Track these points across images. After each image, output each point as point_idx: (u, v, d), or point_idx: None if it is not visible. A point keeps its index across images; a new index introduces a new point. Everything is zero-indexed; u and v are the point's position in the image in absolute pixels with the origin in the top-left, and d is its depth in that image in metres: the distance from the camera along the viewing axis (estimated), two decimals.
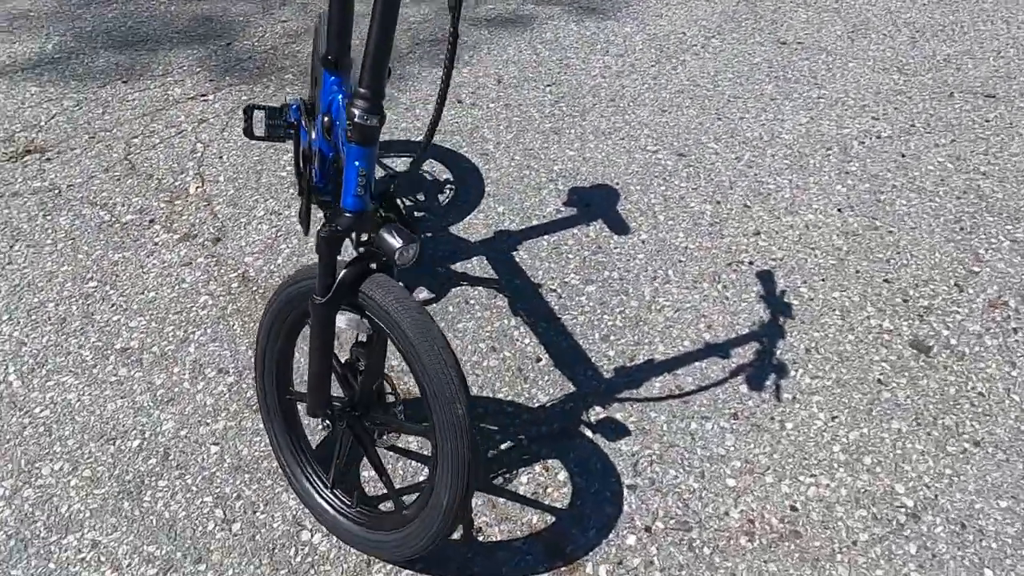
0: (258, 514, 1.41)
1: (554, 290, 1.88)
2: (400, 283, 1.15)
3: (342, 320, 1.19)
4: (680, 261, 1.98)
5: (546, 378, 1.66)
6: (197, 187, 2.22)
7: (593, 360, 1.69)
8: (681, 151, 2.39)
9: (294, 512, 1.40)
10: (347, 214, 1.14)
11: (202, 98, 2.64)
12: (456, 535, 1.36)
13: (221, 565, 1.34)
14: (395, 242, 1.10)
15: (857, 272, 1.96)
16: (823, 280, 1.93)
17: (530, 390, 1.64)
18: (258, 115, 1.46)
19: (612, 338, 1.76)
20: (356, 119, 1.08)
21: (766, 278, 1.93)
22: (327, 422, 1.29)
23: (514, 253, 1.99)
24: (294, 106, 1.55)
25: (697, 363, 1.69)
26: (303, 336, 1.30)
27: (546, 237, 2.03)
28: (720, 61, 2.87)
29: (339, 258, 1.16)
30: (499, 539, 1.37)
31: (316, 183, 1.64)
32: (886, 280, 1.93)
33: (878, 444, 1.54)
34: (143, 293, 1.88)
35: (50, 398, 1.63)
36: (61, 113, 2.54)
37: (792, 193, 2.22)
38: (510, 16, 3.17)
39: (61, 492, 1.46)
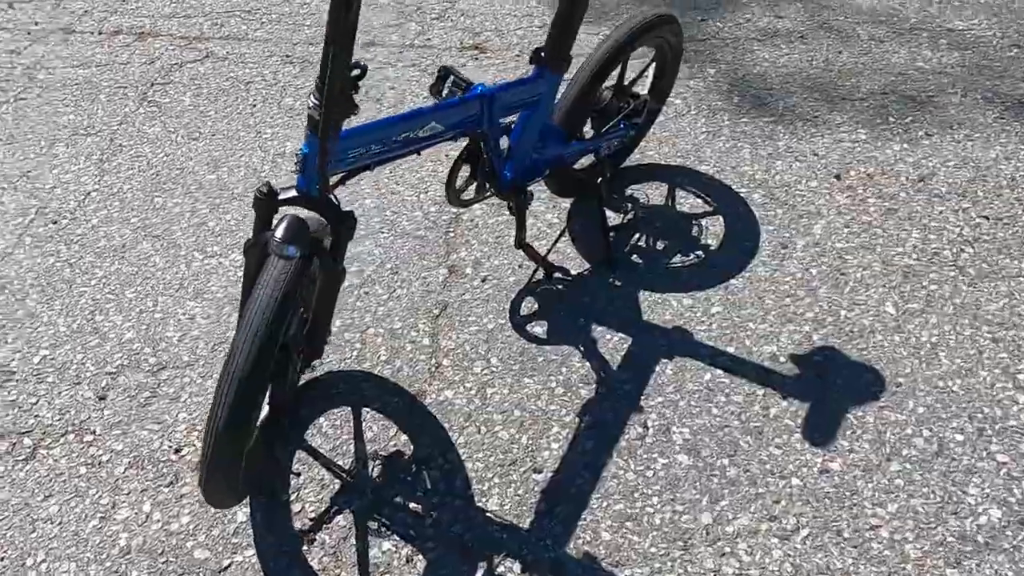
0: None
1: (647, 428, 1.43)
2: (284, 272, 1.07)
3: None
4: (838, 533, 1.26)
5: (519, 495, 1.32)
6: None
7: (581, 523, 1.28)
8: None
9: None
10: (293, 190, 1.09)
11: None
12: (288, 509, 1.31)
13: (164, 377, 1.58)
14: (277, 233, 1.01)
15: None
16: None
17: (491, 491, 1.34)
18: (449, 79, 1.41)
19: (630, 524, 1.28)
20: (309, 108, 0.99)
21: None
22: None
23: (664, 362, 1.54)
24: (478, 88, 1.41)
25: None
26: None
27: (717, 374, 1.50)
28: None
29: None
30: (294, 557, 1.26)
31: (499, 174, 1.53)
32: None
33: None
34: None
35: None
36: (519, 29, 2.84)
37: None
38: None
39: (218, 270, 1.88)
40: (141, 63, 2.60)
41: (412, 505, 1.32)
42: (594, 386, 1.50)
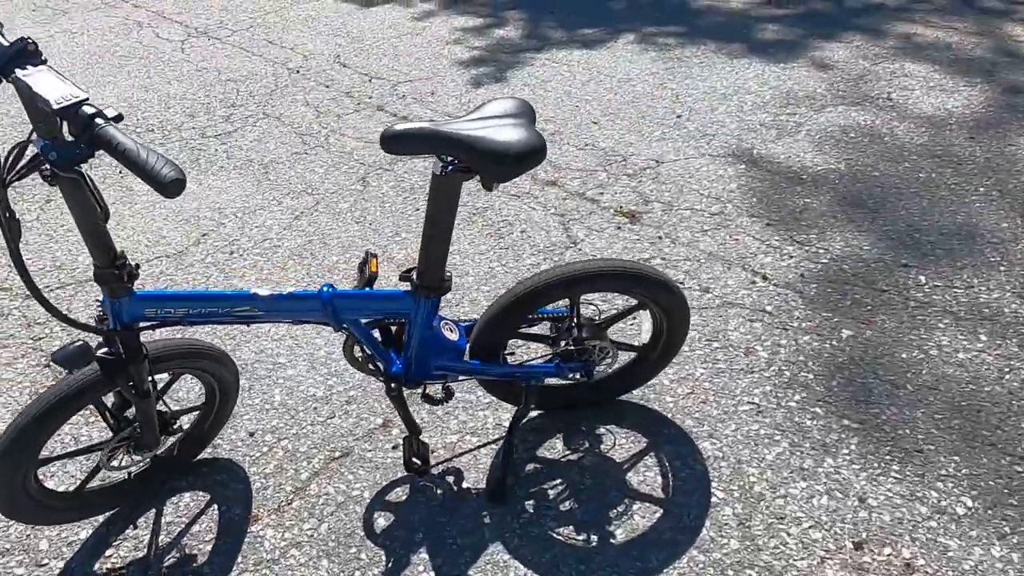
0: None
1: None
2: (71, 380, 1.29)
3: None
4: None
5: None
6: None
7: None
8: None
9: None
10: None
11: None
12: None
13: None
14: (68, 346, 1.21)
15: None
16: None
17: None
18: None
19: None
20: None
21: None
22: None
23: None
24: (324, 289, 1.35)
25: None
26: None
27: None
28: None
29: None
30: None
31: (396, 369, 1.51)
32: None
33: None
34: None
35: None
36: (691, 208, 2.55)
37: None
38: None
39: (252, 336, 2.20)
40: None
41: None
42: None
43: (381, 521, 1.56)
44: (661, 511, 1.50)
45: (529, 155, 1.12)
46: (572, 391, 1.70)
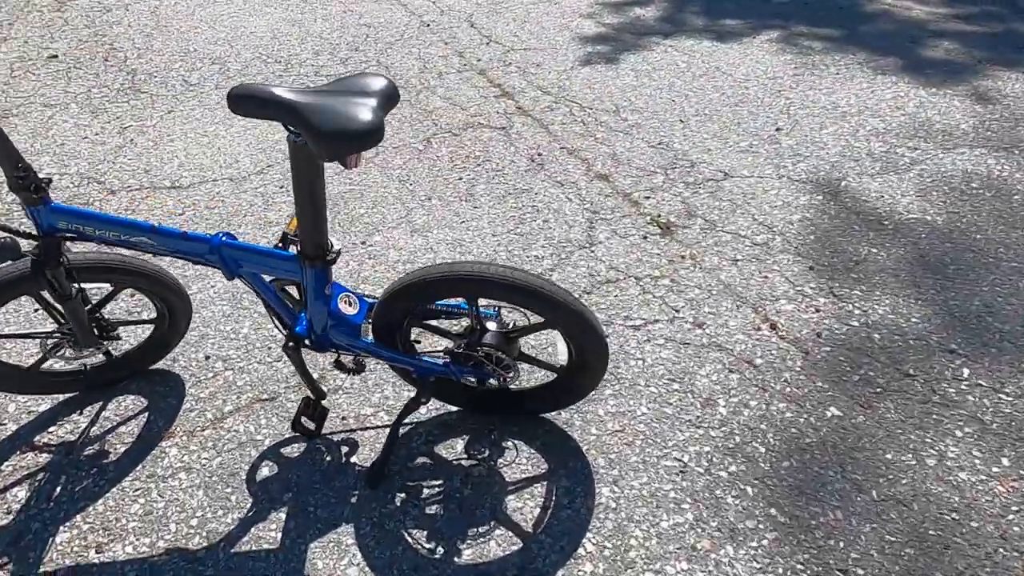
0: None
1: None
2: (9, 273, 1.42)
3: None
4: None
5: (76, 543, 1.40)
6: None
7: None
8: None
9: None
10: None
11: None
12: None
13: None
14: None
15: None
16: None
17: (68, 517, 1.45)
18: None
19: None
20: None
21: None
22: None
23: None
24: (218, 235, 1.35)
25: None
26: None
27: None
28: None
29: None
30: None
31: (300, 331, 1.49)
32: None
33: None
34: None
35: None
36: (735, 231, 2.22)
37: None
38: None
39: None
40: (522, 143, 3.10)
41: (52, 485, 1.59)
42: (201, 539, 1.43)
43: (265, 471, 1.59)
44: (520, 545, 1.38)
45: (354, 137, 1.04)
46: (481, 395, 1.60)
